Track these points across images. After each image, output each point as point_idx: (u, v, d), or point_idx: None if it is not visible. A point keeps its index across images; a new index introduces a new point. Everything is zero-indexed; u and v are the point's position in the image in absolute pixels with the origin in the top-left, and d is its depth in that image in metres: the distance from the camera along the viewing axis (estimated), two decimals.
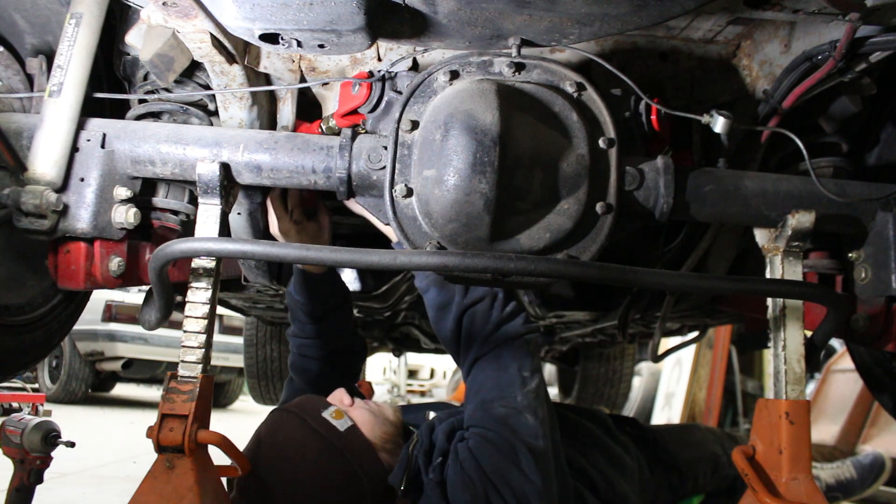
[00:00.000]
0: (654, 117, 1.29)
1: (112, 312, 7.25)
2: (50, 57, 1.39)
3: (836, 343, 4.09)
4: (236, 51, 1.28)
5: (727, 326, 5.01)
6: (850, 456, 3.19)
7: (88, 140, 1.30)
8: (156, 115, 1.46)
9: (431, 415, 1.63)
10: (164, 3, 1.10)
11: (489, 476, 1.33)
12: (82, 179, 1.29)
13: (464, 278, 1.31)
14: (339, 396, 1.54)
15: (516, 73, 1.24)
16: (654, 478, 1.92)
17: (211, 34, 1.20)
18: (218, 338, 6.48)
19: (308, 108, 1.51)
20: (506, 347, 1.45)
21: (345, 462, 1.38)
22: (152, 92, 1.45)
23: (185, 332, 1.23)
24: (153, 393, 10.10)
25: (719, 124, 1.20)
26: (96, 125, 1.32)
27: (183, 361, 1.22)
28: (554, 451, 1.46)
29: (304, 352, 1.85)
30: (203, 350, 1.22)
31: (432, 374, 13.26)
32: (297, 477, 1.35)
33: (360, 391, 1.87)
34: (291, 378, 1.89)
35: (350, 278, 2.48)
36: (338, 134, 1.36)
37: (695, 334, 3.04)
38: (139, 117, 1.45)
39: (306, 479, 1.36)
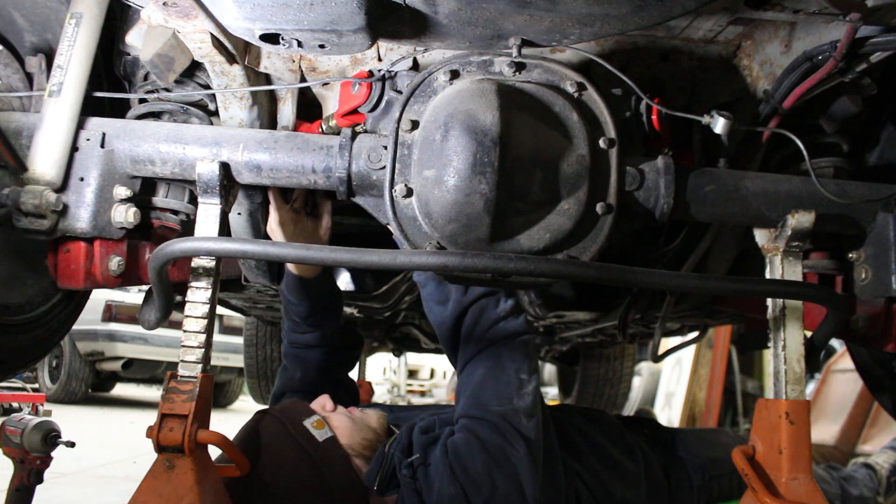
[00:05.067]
0: (654, 117, 1.29)
1: (112, 312, 7.25)
2: (49, 56, 1.39)
3: (836, 343, 4.09)
4: (237, 51, 1.28)
5: (727, 326, 5.00)
6: (852, 455, 3.18)
7: (88, 139, 1.30)
8: (156, 115, 1.46)
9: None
10: (164, 4, 1.10)
11: (475, 476, 1.33)
12: (82, 179, 1.29)
13: (464, 278, 1.31)
14: (321, 402, 1.56)
15: (517, 73, 1.24)
16: (671, 481, 1.90)
17: (211, 34, 1.20)
18: (218, 338, 6.48)
19: (308, 107, 1.51)
20: (504, 347, 1.45)
21: (318, 473, 1.40)
22: (152, 92, 1.45)
23: (185, 331, 1.22)
24: (153, 393, 10.10)
25: (720, 125, 1.19)
26: (96, 124, 1.32)
27: (183, 361, 1.21)
28: (547, 454, 1.46)
29: (296, 345, 1.86)
30: (203, 350, 1.22)
31: (432, 374, 13.26)
32: (269, 482, 1.37)
33: (359, 391, 1.88)
34: (285, 366, 1.90)
35: (348, 279, 2.48)
36: (338, 134, 1.36)
37: (695, 334, 3.03)
38: (139, 117, 1.45)
39: (277, 485, 1.37)
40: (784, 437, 1.18)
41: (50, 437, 1.92)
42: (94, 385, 7.92)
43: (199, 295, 1.24)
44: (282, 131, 1.41)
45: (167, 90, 1.43)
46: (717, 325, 3.27)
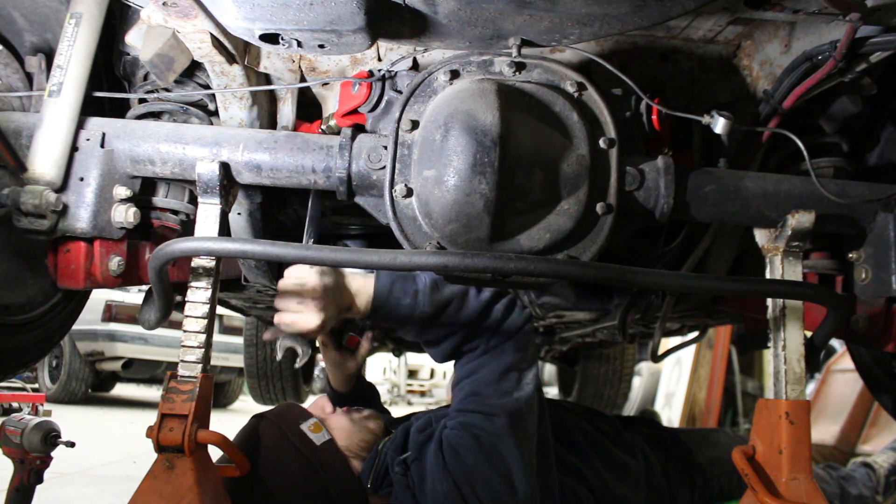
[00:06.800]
0: (654, 117, 1.29)
1: (112, 312, 7.24)
2: (49, 55, 1.39)
3: (836, 343, 4.09)
4: (236, 51, 1.28)
5: (727, 326, 5.01)
6: (852, 455, 3.18)
7: (88, 139, 1.30)
8: (156, 115, 1.46)
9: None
10: (164, 3, 1.10)
11: (469, 472, 1.33)
12: (82, 179, 1.29)
13: (464, 278, 1.31)
14: (320, 405, 1.57)
15: (517, 73, 1.24)
16: (671, 480, 1.90)
17: (211, 34, 1.20)
18: (218, 338, 6.48)
19: (308, 108, 1.51)
20: (508, 342, 1.45)
21: (316, 477, 1.40)
22: (152, 92, 1.45)
23: (185, 331, 1.22)
24: (153, 393, 10.10)
25: (720, 125, 1.19)
26: (96, 124, 1.32)
27: (183, 361, 1.21)
28: (542, 443, 1.46)
29: None
30: (203, 350, 1.22)
31: (432, 374, 13.27)
32: (267, 486, 1.37)
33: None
34: None
35: None
36: (338, 134, 1.36)
37: (695, 334, 3.03)
38: (139, 117, 1.45)
39: (276, 489, 1.38)
40: (784, 437, 1.18)
41: (50, 437, 1.91)
42: (94, 385, 7.92)
43: (199, 295, 1.24)
44: (282, 131, 1.41)
45: (167, 90, 1.44)
46: (717, 325, 3.27)
